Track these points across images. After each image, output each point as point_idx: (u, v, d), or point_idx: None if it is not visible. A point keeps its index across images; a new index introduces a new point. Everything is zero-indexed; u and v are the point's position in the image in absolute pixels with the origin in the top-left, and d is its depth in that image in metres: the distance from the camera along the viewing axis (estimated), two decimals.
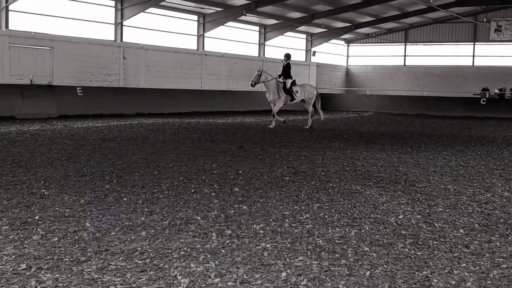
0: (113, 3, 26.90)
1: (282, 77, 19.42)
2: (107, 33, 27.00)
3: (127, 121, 20.87)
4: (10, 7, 22.64)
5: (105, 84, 26.08)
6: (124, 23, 27.39)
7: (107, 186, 8.07)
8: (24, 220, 6.06)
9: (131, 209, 6.70)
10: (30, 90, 22.27)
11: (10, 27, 22.71)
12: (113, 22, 27.10)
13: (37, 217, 6.18)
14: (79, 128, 17.57)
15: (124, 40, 27.47)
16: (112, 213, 6.47)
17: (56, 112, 22.36)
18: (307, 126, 19.69)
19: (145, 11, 27.38)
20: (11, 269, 4.54)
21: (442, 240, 5.74)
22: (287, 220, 6.37)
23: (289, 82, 19.38)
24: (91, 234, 5.58)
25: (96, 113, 23.51)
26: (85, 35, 25.66)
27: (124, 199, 7.28)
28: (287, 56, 19.90)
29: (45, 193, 7.49)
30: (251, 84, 19.07)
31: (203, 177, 9.05)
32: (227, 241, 5.47)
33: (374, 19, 38.77)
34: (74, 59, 24.79)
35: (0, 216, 6.22)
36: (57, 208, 6.64)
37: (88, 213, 6.44)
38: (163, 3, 27.44)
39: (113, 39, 27.15)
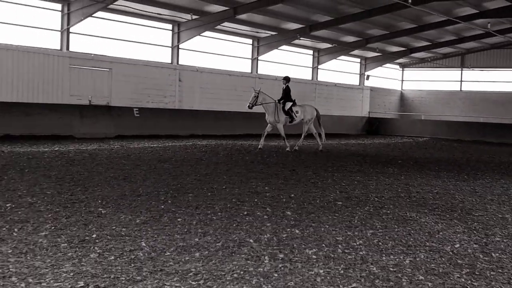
0: (170, 27, 27.51)
1: (282, 101, 19.28)
2: (164, 56, 27.60)
3: (182, 142, 21.20)
4: (71, 29, 23.45)
5: (161, 106, 26.58)
6: (181, 46, 27.95)
7: (162, 206, 8.21)
8: (82, 238, 6.22)
9: (185, 230, 6.79)
10: (89, 111, 22.92)
11: (71, 48, 23.51)
12: (170, 45, 27.70)
13: (94, 235, 6.33)
14: (135, 148, 17.94)
15: (180, 62, 28.00)
16: (167, 233, 6.58)
17: (113, 132, 22.91)
18: (320, 147, 19.56)
19: (201, 34, 27.88)
20: (69, 286, 4.66)
21: (500, 271, 5.59)
22: (340, 246, 6.33)
23: (288, 104, 19.23)
24: (146, 254, 5.68)
25: (151, 133, 23.96)
26: (143, 58, 26.30)
27: (179, 219, 7.38)
28: (286, 79, 19.65)
29: (102, 211, 7.68)
30: (248, 106, 18.88)
31: (256, 200, 9.09)
32: (280, 265, 5.48)
33: (429, 43, 38.30)
34: (131, 81, 25.42)
35: (59, 233, 6.40)
36: (113, 227, 6.79)
37: (144, 233, 6.56)
38: (218, 27, 27.88)
39: (170, 61, 27.71)
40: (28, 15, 22.18)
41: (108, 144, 18.93)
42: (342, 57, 38.06)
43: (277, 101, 19.05)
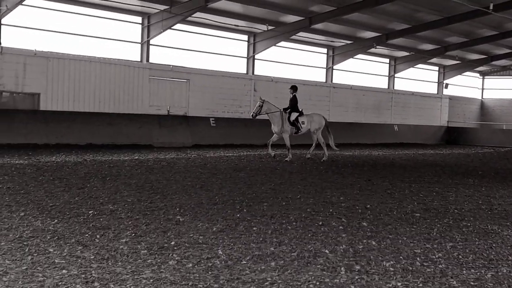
0: (246, 37, 27.85)
1: (288, 110, 18.43)
2: (240, 66, 27.95)
3: (256, 152, 21.35)
4: (151, 41, 24.17)
5: (236, 116, 26.91)
6: (256, 56, 28.22)
7: (238, 215, 8.30)
8: (161, 245, 6.38)
9: (261, 239, 6.84)
10: (167, 120, 23.49)
11: (151, 60, 24.22)
12: (246, 56, 28.02)
13: (173, 243, 6.48)
14: (211, 157, 18.23)
15: (255, 72, 28.28)
16: (242, 242, 6.65)
17: (191, 142, 23.38)
18: (325, 157, 18.62)
19: (276, 44, 28.06)
20: None
21: None
22: (418, 259, 6.20)
23: (294, 115, 18.35)
24: (223, 262, 5.77)
25: (227, 143, 24.29)
26: (219, 68, 26.73)
27: (254, 228, 7.45)
28: (294, 88, 18.88)
29: (180, 219, 7.84)
30: (252, 115, 18.27)
31: (331, 210, 9.04)
32: (356, 277, 5.43)
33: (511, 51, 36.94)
34: (208, 91, 25.90)
35: (139, 240, 6.59)
36: (191, 235, 6.92)
37: (220, 241, 6.66)
38: (293, 36, 27.97)
39: (245, 72, 28.03)
40: (110, 28, 23.05)
41: (185, 153, 19.32)
42: (420, 65, 37.29)
43: (282, 110, 18.27)
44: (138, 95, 23.47)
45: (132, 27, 23.79)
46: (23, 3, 19.32)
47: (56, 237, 6.56)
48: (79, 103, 21.65)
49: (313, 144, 19.22)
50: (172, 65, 24.79)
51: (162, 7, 22.79)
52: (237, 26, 26.21)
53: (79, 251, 5.99)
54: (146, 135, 22.20)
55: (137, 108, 23.27)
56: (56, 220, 7.49)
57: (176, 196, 9.80)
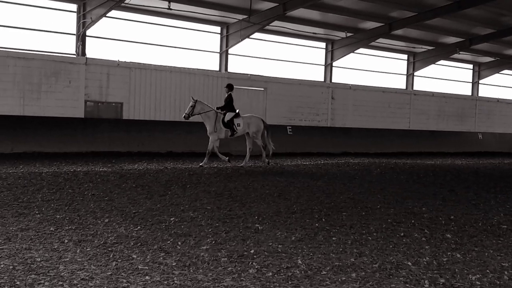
0: (324, 45, 27.72)
1: (224, 111, 17.11)
2: (317, 74, 27.84)
3: (334, 160, 21.15)
4: (230, 51, 24.49)
5: (314, 124, 26.79)
6: (334, 64, 28.03)
7: (317, 224, 8.22)
8: (241, 253, 6.40)
9: (341, 249, 6.75)
10: None
11: (229, 69, 24.53)
12: (323, 63, 27.88)
13: (252, 251, 6.49)
14: (288, 165, 18.21)
15: (333, 80, 28.08)
16: (322, 252, 6.57)
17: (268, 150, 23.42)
18: (266, 161, 17.60)
19: (354, 51, 27.78)
20: None
21: None
22: (506, 273, 5.94)
23: (230, 115, 17.01)
24: (303, 272, 5.71)
25: (304, 151, 24.20)
26: (296, 76, 26.74)
27: (333, 238, 7.35)
28: (229, 87, 17.48)
29: (259, 227, 7.86)
30: (184, 117, 16.81)
31: (413, 221, 8.81)
32: None
33: None
34: (285, 99, 25.93)
35: (219, 248, 6.64)
36: (270, 243, 6.91)
37: (299, 250, 6.61)
38: (372, 43, 27.59)
39: (323, 79, 27.89)
40: (190, 38, 23.54)
41: (262, 161, 19.37)
42: (506, 71, 35.89)
43: (216, 110, 17.04)
44: (216, 104, 23.77)
45: (211, 37, 24.20)
46: (106, 15, 20.05)
47: (139, 244, 6.71)
48: (160, 112, 22.20)
49: (248, 150, 17.86)
50: (250, 74, 25.01)
51: (241, 17, 23.06)
52: (315, 33, 26.13)
53: (161, 258, 6.10)
54: (224, 143, 22.43)
55: None
56: (139, 227, 7.67)
57: (255, 204, 9.83)
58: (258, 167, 17.15)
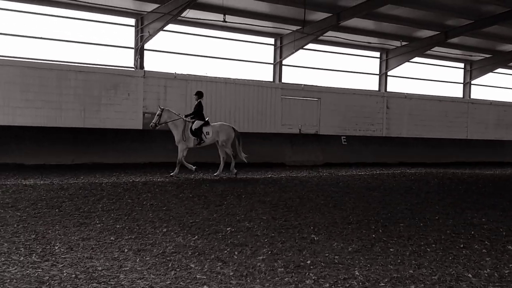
0: (378, 54, 27.52)
1: (191, 117, 16.48)
2: (372, 84, 27.63)
3: (390, 170, 20.87)
4: (284, 61, 24.59)
5: (368, 134, 26.55)
6: (389, 73, 27.76)
7: (373, 235, 8.16)
8: (297, 263, 6.42)
9: (399, 261, 6.67)
10: (299, 139, 23.68)
11: (283, 80, 24.62)
12: (378, 73, 27.65)
13: (309, 262, 6.49)
14: (343, 176, 18.09)
15: (388, 89, 27.79)
16: (379, 263, 6.52)
17: (322, 160, 23.36)
18: (217, 173, 16.63)
19: (409, 60, 27.44)
20: None
21: None
22: None
23: (198, 123, 16.36)
24: (360, 283, 5.69)
25: (358, 161, 23.97)
26: (350, 86, 26.60)
27: (391, 249, 7.28)
28: (199, 94, 16.68)
29: (315, 238, 7.85)
30: (151, 126, 16.30)
31: (472, 232, 8.63)
32: None
33: None
34: (339, 109, 25.83)
35: (275, 258, 6.67)
36: (326, 254, 6.90)
37: (356, 261, 6.58)
38: (427, 52, 27.20)
39: (377, 89, 27.64)
40: (244, 50, 23.77)
41: (317, 171, 19.34)
42: None
43: (184, 118, 16.38)
44: (271, 114, 23.94)
45: (265, 48, 24.37)
46: (164, 28, 20.48)
47: (197, 253, 6.82)
48: (215, 123, 22.37)
49: (222, 159, 17.04)
50: (304, 84, 25.03)
51: (294, 28, 23.14)
52: (369, 43, 25.95)
53: (218, 267, 6.18)
54: (278, 154, 22.50)
55: (270, 128, 23.73)
56: (196, 236, 7.79)
57: (310, 215, 9.83)
58: (312, 177, 17.11)
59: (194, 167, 16.64)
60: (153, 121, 16.28)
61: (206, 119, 16.71)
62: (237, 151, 17.11)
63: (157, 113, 16.27)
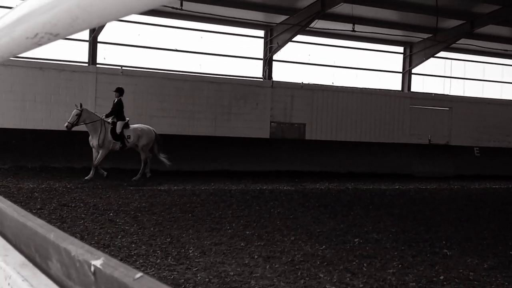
0: None
1: (112, 117, 14.88)
2: (508, 93, 26.24)
3: None
4: (413, 70, 24.00)
5: (504, 145, 25.20)
6: None
7: (511, 252, 7.75)
8: (430, 278, 6.24)
9: None
10: (428, 149, 23.00)
11: (412, 89, 24.04)
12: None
13: (442, 277, 6.30)
14: (476, 189, 17.32)
15: None
16: None
17: (453, 172, 22.50)
18: (136, 177, 14.97)
19: None
20: None
21: None
22: None
23: (120, 125, 14.85)
24: None
25: (493, 174, 22.80)
26: (483, 95, 25.44)
27: None
28: (118, 91, 15.08)
29: (448, 253, 7.60)
30: (66, 126, 14.19)
31: None
32: None
33: None
34: (472, 119, 24.77)
35: (406, 272, 6.53)
36: (460, 270, 6.66)
37: (493, 279, 6.30)
38: None
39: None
40: (371, 58, 23.53)
41: (447, 184, 18.65)
42: None
43: (103, 118, 14.75)
44: (398, 124, 23.45)
45: (394, 57, 23.97)
46: (292, 39, 20.77)
47: (325, 263, 6.83)
48: (341, 132, 22.37)
49: (143, 163, 15.54)
50: (434, 93, 24.29)
51: (425, 35, 22.54)
52: (506, 50, 24.65)
53: (348, 279, 6.16)
54: (405, 164, 21.97)
55: (397, 137, 23.23)
56: (324, 246, 7.80)
57: (441, 229, 9.52)
58: (442, 189, 16.53)
59: (105, 173, 14.81)
60: (68, 121, 14.31)
61: (126, 120, 15.27)
62: (157, 156, 15.82)
63: (75, 112, 14.36)
